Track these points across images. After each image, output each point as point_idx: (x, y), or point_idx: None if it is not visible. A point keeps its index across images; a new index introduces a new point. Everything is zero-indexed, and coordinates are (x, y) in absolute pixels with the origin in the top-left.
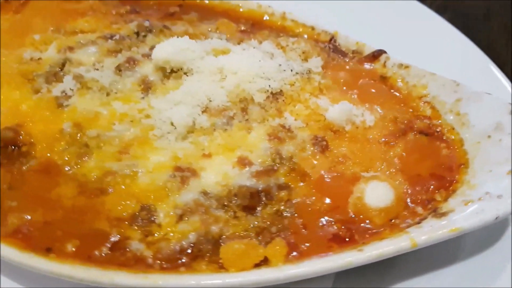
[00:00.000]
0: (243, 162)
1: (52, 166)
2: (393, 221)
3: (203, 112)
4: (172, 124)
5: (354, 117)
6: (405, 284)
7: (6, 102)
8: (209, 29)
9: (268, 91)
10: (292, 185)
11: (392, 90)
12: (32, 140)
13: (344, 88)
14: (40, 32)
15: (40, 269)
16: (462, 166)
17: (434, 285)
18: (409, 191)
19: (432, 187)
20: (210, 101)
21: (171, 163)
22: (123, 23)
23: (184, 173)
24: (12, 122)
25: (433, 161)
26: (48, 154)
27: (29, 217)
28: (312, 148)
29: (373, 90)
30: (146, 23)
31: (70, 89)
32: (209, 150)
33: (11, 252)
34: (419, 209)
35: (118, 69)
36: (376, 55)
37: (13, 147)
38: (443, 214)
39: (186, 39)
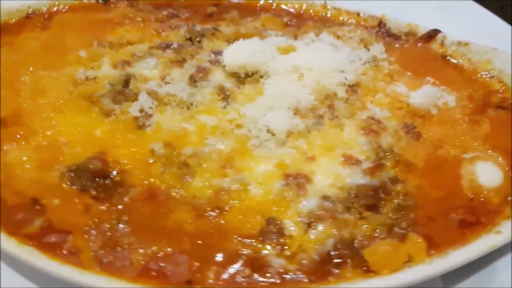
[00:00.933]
0: (349, 160)
1: (156, 192)
2: (509, 198)
3: (294, 114)
4: (268, 131)
5: (436, 100)
6: None
7: (74, 130)
8: (256, 26)
9: (345, 84)
10: (401, 178)
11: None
12: (123, 168)
13: (411, 71)
14: (78, 47)
15: None
16: None
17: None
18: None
19: None
20: (298, 102)
21: (279, 171)
22: (170, 30)
23: (298, 180)
24: (92, 151)
25: None
26: (147, 181)
27: (155, 250)
28: (406, 137)
29: (440, 71)
30: (197, 28)
31: (149, 107)
32: (311, 153)
33: None
34: None
35: (193, 80)
36: (432, 35)
37: (103, 178)
38: None
39: (255, 41)
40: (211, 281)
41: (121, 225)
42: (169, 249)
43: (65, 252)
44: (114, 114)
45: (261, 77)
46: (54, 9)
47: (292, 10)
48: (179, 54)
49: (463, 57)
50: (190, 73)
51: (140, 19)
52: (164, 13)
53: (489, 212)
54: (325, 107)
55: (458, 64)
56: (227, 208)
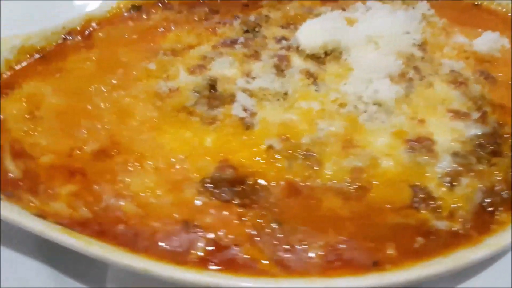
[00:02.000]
0: (458, 115)
1: (295, 186)
2: None
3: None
4: (376, 103)
5: (498, 44)
6: None
7: (183, 145)
8: (296, 7)
9: (415, 44)
10: (502, 121)
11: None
12: (251, 170)
13: (456, 23)
14: (137, 60)
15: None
16: None
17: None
18: None
19: None
20: (390, 69)
21: (399, 139)
22: (223, 26)
23: (423, 143)
24: (214, 161)
25: None
26: (280, 178)
27: (327, 241)
28: (487, 83)
29: (479, 17)
30: (251, 18)
31: (252, 105)
32: (419, 116)
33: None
34: None
35: (280, 69)
36: None
37: (240, 184)
38: None
39: (326, 18)
40: (393, 253)
41: (280, 226)
42: (339, 236)
43: (240, 263)
44: (218, 120)
45: (340, 53)
46: (90, 28)
47: None
48: (250, 47)
49: (493, 2)
50: (273, 64)
51: (185, 21)
52: (205, 10)
53: None
54: (411, 69)
55: (491, 9)
56: (368, 186)
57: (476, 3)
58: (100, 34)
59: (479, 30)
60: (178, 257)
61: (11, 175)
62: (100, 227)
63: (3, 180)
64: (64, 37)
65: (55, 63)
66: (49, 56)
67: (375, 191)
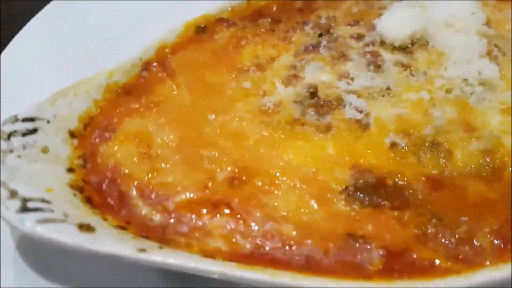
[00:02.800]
0: None
1: (435, 179)
2: None
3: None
4: (481, 83)
5: None
6: None
7: (309, 157)
8: (353, 4)
9: (484, 23)
10: None
11: None
12: (385, 170)
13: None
14: (225, 81)
15: None
16: None
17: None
18: None
19: None
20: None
21: (509, 116)
22: (294, 34)
23: None
24: (347, 168)
25: None
26: (416, 174)
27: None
28: None
29: None
30: (323, 21)
31: (364, 105)
32: None
33: None
34: None
35: (376, 65)
36: None
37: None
38: None
39: (403, 9)
40: None
41: (441, 221)
42: (498, 219)
43: (419, 265)
44: (333, 127)
45: (426, 40)
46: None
47: None
48: (334, 49)
49: None
50: (366, 62)
51: (252, 34)
52: (268, 20)
53: None
54: (493, 46)
55: None
56: (502, 166)
57: None
58: (177, 60)
59: None
60: (360, 272)
61: (154, 220)
62: (270, 256)
63: (147, 227)
64: (143, 68)
65: (145, 97)
66: (135, 91)
67: (509, 168)
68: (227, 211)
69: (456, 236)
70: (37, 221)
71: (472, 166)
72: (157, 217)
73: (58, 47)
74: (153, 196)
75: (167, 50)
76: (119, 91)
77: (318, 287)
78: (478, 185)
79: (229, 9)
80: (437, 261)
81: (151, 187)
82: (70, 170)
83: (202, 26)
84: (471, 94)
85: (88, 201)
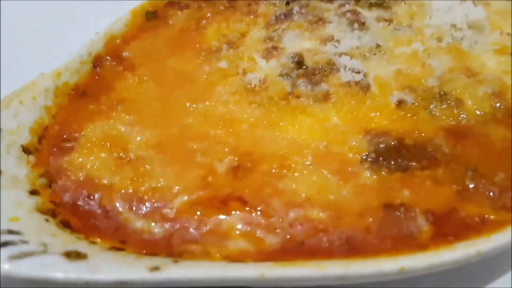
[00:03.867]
0: None
1: (454, 131)
2: None
3: None
4: (470, 27)
5: None
6: None
7: (314, 132)
8: None
9: None
10: None
11: None
12: (400, 131)
13: None
14: (197, 64)
15: None
16: None
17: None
18: None
19: None
20: None
21: (504, 55)
22: (257, 6)
23: None
24: (361, 135)
25: None
26: (433, 126)
27: None
28: None
29: None
30: None
31: (360, 65)
32: (504, 29)
33: None
34: None
35: (360, 23)
36: None
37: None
38: None
39: None
40: None
41: (477, 172)
42: None
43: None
44: (332, 94)
45: None
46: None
47: None
48: (308, 14)
49: None
50: (348, 22)
51: (217, 12)
52: None
53: None
54: None
55: None
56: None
57: None
58: (133, 51)
59: None
60: (413, 243)
61: (154, 233)
62: (305, 247)
63: (148, 243)
64: (94, 65)
65: (105, 97)
66: (90, 91)
67: None
68: (238, 205)
69: (497, 185)
70: (10, 257)
71: (486, 110)
72: (158, 229)
73: None
74: (145, 205)
75: (118, 41)
76: (72, 94)
77: (376, 272)
78: (499, 130)
79: None
80: (487, 215)
81: (140, 195)
82: (33, 192)
83: (152, 11)
84: (462, 39)
85: (66, 225)
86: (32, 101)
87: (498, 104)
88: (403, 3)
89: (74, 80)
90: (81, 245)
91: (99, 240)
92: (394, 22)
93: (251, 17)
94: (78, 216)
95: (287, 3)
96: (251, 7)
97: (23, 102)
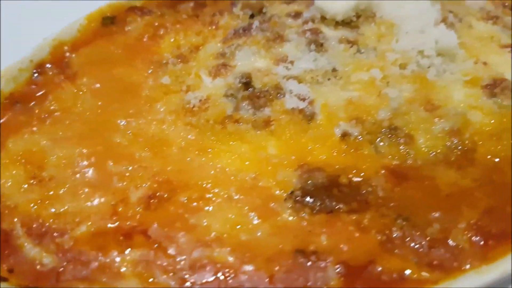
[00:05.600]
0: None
1: (396, 170)
2: None
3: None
4: (439, 54)
5: None
6: None
7: (246, 159)
8: None
9: None
10: None
11: None
12: (337, 167)
13: None
14: (143, 78)
15: None
16: None
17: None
18: None
19: None
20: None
21: (475, 86)
22: (221, 17)
23: (500, 85)
24: (293, 169)
25: None
26: (375, 167)
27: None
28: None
29: None
30: (253, 1)
31: (308, 91)
32: (480, 58)
33: None
34: None
35: (318, 44)
36: None
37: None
38: None
39: None
40: None
41: (409, 221)
42: (473, 212)
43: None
44: (272, 121)
45: (372, 12)
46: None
47: None
48: (268, 30)
49: None
50: (306, 41)
51: (177, 21)
52: (190, 5)
53: None
54: (448, 12)
55: None
56: (472, 147)
57: None
58: (79, 59)
59: None
60: None
61: (44, 264)
62: None
63: (36, 274)
64: (35, 72)
65: (38, 107)
66: (24, 100)
67: (481, 149)
68: (142, 240)
69: (428, 238)
70: None
71: (439, 151)
72: (49, 260)
73: None
74: (44, 231)
75: (66, 48)
76: (5, 102)
77: None
78: (449, 173)
79: None
80: (408, 271)
81: (40, 220)
82: None
83: (110, 16)
84: (429, 67)
85: None
86: None
87: (454, 143)
88: (373, 23)
89: (10, 88)
90: None
91: None
92: (359, 44)
93: (212, 28)
94: None
95: (252, 16)
96: (215, 17)
97: None
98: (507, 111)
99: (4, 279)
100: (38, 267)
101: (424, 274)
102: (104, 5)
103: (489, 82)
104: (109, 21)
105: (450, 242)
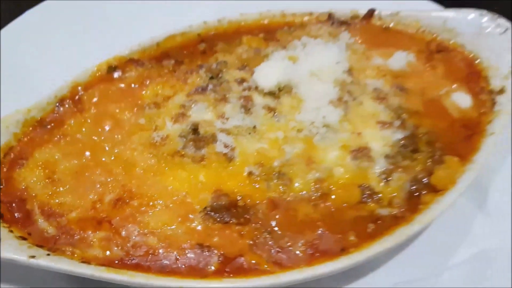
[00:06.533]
0: (384, 124)
1: (275, 202)
2: (481, 110)
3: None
4: (325, 125)
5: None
6: None
7: (184, 183)
8: (246, 49)
9: (345, 71)
10: (416, 123)
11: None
12: (240, 195)
13: (372, 46)
14: (124, 117)
15: None
16: (476, 60)
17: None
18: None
19: (476, 80)
20: (331, 96)
21: (345, 151)
22: (190, 75)
23: (362, 152)
24: (209, 192)
25: (462, 65)
26: (263, 197)
27: (306, 240)
28: (402, 94)
29: (389, 39)
30: (214, 66)
31: (231, 142)
32: (357, 130)
33: None
34: (484, 96)
35: (246, 109)
36: (370, 14)
37: (234, 208)
38: (501, 91)
39: (275, 59)
40: (354, 239)
41: (270, 234)
42: (313, 234)
43: (246, 268)
44: (205, 158)
45: (291, 87)
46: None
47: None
48: (218, 92)
49: (398, 24)
50: (240, 105)
51: (157, 75)
52: (172, 62)
53: (476, 124)
54: (345, 93)
55: (397, 29)
56: (328, 192)
57: (384, 26)
58: (88, 97)
59: (391, 50)
60: (200, 272)
61: (49, 233)
62: (134, 261)
63: (43, 238)
64: (57, 104)
65: (57, 130)
66: (49, 124)
67: (335, 194)
68: (107, 226)
69: (279, 246)
70: None
71: (305, 192)
72: (52, 230)
73: None
74: (50, 213)
75: (79, 88)
76: (35, 125)
77: (162, 284)
78: (307, 207)
79: (140, 50)
80: (259, 264)
81: (50, 206)
82: None
83: (113, 66)
84: (316, 134)
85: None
86: (6, 129)
87: (317, 187)
88: (289, 97)
89: (40, 115)
90: (2, 232)
91: (16, 229)
92: (276, 110)
93: (182, 83)
94: (10, 211)
95: (211, 78)
96: (186, 75)
97: (0, 129)
98: (361, 170)
99: (24, 238)
100: (44, 234)
101: (267, 267)
102: (111, 57)
103: (355, 148)
104: (112, 69)
105: (293, 250)
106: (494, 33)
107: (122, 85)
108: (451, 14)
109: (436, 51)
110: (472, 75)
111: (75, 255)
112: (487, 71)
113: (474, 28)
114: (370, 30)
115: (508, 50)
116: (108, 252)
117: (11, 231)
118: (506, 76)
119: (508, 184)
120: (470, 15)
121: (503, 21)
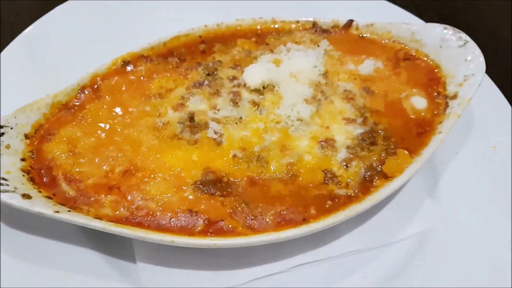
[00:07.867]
0: (349, 121)
1: (253, 179)
2: (435, 112)
3: (307, 103)
4: (298, 119)
5: (374, 67)
6: None
7: (180, 161)
8: (239, 51)
9: (320, 74)
10: (377, 121)
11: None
12: (225, 172)
13: (348, 53)
14: (136, 104)
15: None
16: (437, 69)
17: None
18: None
19: (435, 86)
20: (306, 95)
21: (314, 141)
22: (190, 72)
23: (328, 143)
24: (200, 169)
25: (424, 72)
26: (243, 175)
27: (276, 211)
28: (368, 96)
29: (363, 47)
30: (210, 64)
31: (220, 129)
32: (326, 124)
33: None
34: (440, 100)
35: (235, 102)
36: (349, 24)
37: (219, 183)
38: (454, 96)
39: (261, 62)
40: (314, 212)
41: (247, 205)
42: (282, 207)
43: (225, 230)
44: (199, 142)
45: (273, 86)
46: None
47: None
48: (212, 87)
49: (372, 34)
50: (229, 99)
51: (164, 70)
52: (175, 59)
53: (429, 123)
54: (319, 93)
55: (371, 39)
56: (298, 174)
57: (360, 35)
58: (104, 85)
59: (363, 56)
60: (189, 231)
61: (70, 194)
62: (137, 220)
63: (65, 198)
64: (79, 92)
65: (78, 112)
66: (73, 107)
67: (302, 176)
68: (117, 192)
69: (253, 215)
70: (2, 191)
71: (278, 173)
72: (72, 192)
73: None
74: (72, 179)
75: (98, 78)
76: (61, 107)
77: (158, 238)
78: (278, 185)
79: (149, 48)
80: (237, 228)
81: (71, 173)
82: (23, 159)
83: (127, 61)
84: (292, 126)
85: (31, 180)
86: (37, 110)
87: (288, 169)
88: (272, 94)
89: (65, 100)
90: (33, 192)
91: (43, 190)
92: (260, 105)
93: (183, 78)
94: (39, 176)
95: (208, 74)
96: (187, 71)
97: (32, 110)
98: (326, 158)
99: (50, 198)
100: (66, 195)
101: (243, 230)
102: (125, 53)
103: (323, 139)
104: (126, 64)
105: (264, 218)
106: (454, 46)
107: (133, 77)
108: (419, 27)
109: (403, 59)
110: (432, 81)
111: (90, 213)
112: (445, 78)
113: (438, 40)
114: (347, 38)
115: (465, 60)
116: (116, 212)
117: (40, 192)
118: (460, 83)
119: (456, 175)
120: (436, 28)
121: (463, 35)
